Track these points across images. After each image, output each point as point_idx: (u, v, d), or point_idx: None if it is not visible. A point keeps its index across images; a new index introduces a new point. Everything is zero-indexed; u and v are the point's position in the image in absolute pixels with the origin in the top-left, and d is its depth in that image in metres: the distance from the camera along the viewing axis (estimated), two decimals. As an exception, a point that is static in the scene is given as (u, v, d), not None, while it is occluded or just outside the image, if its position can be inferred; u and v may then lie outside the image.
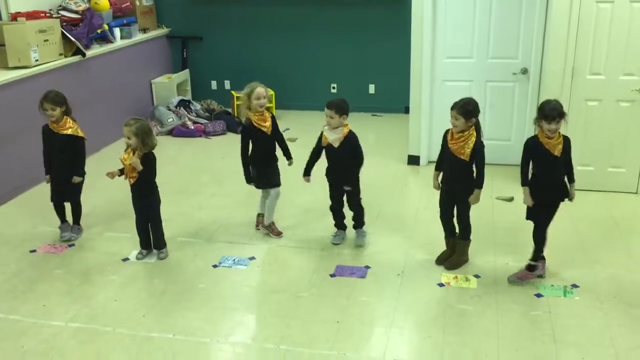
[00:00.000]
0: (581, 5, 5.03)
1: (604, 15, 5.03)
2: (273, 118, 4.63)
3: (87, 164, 4.74)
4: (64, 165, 4.58)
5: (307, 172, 4.53)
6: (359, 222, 4.62)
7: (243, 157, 4.61)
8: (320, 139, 4.44)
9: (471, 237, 4.29)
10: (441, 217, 4.31)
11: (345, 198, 4.56)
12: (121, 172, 4.33)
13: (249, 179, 4.67)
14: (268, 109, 4.65)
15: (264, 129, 4.52)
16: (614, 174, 5.40)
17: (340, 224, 4.68)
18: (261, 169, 4.64)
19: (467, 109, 3.93)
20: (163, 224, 4.46)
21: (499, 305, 3.82)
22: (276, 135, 4.64)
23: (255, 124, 4.50)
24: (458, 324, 3.65)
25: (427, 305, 3.86)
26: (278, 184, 4.70)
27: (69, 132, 4.50)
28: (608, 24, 5.05)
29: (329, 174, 4.50)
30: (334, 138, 4.32)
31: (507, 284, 4.05)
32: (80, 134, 4.57)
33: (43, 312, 3.84)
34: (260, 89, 4.47)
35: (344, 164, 4.39)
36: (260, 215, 4.88)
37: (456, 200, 4.19)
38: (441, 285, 4.07)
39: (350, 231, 4.67)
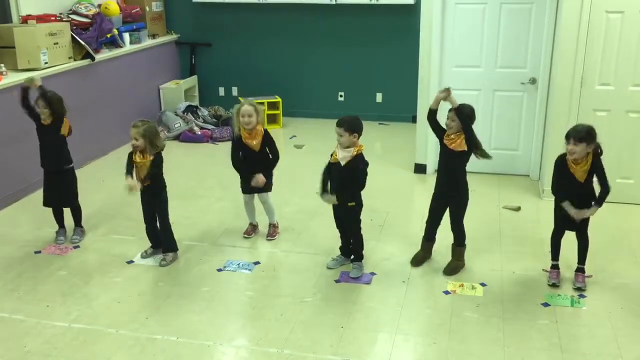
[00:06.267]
0: (591, 14, 5.01)
1: (614, 25, 5.01)
2: (266, 135, 4.51)
3: (94, 166, 4.75)
4: (48, 156, 4.62)
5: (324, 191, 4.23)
6: (355, 254, 4.33)
7: (234, 165, 4.59)
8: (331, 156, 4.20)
9: (466, 243, 4.30)
10: (428, 220, 4.34)
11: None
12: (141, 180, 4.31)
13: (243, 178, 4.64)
14: (267, 130, 4.54)
15: (251, 147, 4.49)
16: (623, 185, 5.34)
17: (343, 249, 4.42)
18: (250, 175, 4.59)
19: (466, 114, 4.00)
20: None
21: (505, 314, 3.78)
22: (265, 152, 4.54)
23: (243, 140, 4.49)
24: (463, 332, 3.62)
25: (433, 313, 3.83)
26: (266, 190, 4.70)
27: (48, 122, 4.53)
28: (618, 34, 5.03)
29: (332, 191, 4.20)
30: (342, 156, 4.05)
31: (513, 292, 4.01)
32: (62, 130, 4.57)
33: (46, 313, 3.83)
34: (246, 107, 4.40)
35: (345, 185, 4.12)
36: (251, 224, 4.89)
37: (449, 205, 4.23)
38: (447, 293, 4.04)
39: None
